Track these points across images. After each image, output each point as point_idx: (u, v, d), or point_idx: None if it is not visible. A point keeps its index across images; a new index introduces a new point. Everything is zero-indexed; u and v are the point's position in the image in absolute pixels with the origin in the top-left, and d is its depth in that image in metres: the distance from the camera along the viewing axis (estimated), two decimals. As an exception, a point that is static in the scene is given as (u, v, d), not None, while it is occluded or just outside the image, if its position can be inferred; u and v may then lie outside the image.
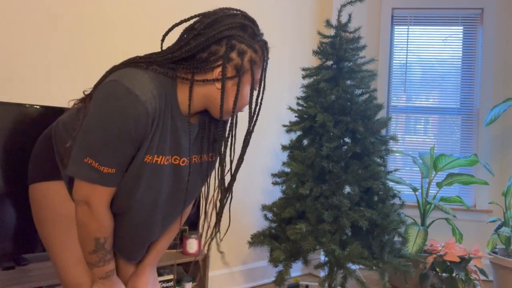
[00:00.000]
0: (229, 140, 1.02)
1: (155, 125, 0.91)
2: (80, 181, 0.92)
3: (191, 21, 0.98)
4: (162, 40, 1.02)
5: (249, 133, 1.02)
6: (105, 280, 1.02)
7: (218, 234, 1.08)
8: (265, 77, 1.03)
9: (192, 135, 1.03)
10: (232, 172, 1.03)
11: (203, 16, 0.96)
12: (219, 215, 1.06)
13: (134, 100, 0.86)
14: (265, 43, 1.00)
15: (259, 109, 1.03)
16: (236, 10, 0.98)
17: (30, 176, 1.08)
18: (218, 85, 0.96)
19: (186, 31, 0.97)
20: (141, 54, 2.23)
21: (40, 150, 1.08)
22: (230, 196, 1.03)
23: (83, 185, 0.92)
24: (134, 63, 0.95)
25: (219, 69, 0.94)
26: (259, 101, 1.02)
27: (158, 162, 0.96)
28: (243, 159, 1.02)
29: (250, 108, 1.00)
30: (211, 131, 1.10)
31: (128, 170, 0.94)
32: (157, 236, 1.12)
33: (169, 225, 1.13)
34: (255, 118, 1.01)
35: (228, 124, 1.12)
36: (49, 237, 1.04)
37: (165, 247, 1.21)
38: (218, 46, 0.93)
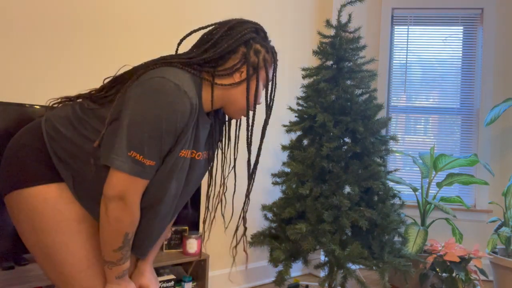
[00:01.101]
0: (234, 139, 1.11)
1: (193, 120, 0.97)
2: (118, 175, 0.91)
3: (209, 28, 1.08)
4: (179, 44, 1.11)
5: (265, 125, 1.11)
6: (120, 280, 1.01)
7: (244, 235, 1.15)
8: (275, 78, 1.13)
9: (206, 131, 1.10)
10: (252, 165, 1.13)
11: (219, 24, 1.06)
12: (244, 210, 1.13)
13: (183, 96, 0.91)
14: (273, 47, 1.10)
15: (272, 104, 1.13)
16: (245, 19, 1.09)
17: (15, 180, 0.99)
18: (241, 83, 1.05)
19: (206, 35, 1.06)
20: (141, 55, 2.23)
21: (28, 151, 1.00)
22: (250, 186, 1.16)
23: (122, 178, 0.91)
24: (168, 62, 1.00)
25: (241, 69, 1.03)
26: (272, 97, 1.13)
27: (186, 156, 1.01)
28: (261, 149, 1.11)
29: (266, 102, 1.10)
30: (216, 130, 1.17)
31: (165, 163, 0.97)
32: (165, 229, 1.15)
33: (174, 218, 1.16)
34: (270, 112, 1.12)
35: (226, 125, 1.22)
36: (53, 245, 0.97)
37: (161, 244, 1.24)
38: (241, 47, 1.03)
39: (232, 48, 1.02)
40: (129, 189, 0.92)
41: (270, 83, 1.11)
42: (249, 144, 1.09)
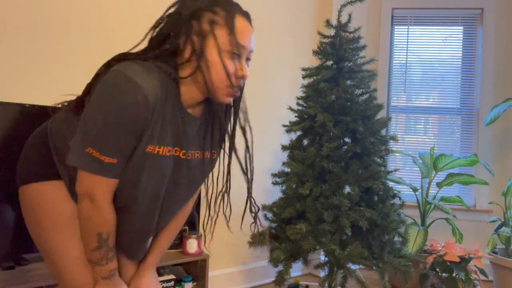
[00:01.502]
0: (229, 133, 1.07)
1: (155, 114, 0.91)
2: (82, 173, 0.91)
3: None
4: (144, 37, 1.02)
5: (237, 106, 1.04)
6: (108, 281, 1.01)
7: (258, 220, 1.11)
8: (244, 46, 0.95)
9: (194, 128, 1.03)
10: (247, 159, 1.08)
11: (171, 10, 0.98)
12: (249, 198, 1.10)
13: (134, 87, 0.85)
14: (227, 2, 0.94)
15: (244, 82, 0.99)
16: None
17: (23, 177, 1.04)
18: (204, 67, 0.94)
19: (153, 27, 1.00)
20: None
21: (34, 150, 1.05)
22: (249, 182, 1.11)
23: (85, 176, 0.91)
24: (125, 57, 0.96)
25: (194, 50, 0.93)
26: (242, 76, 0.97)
27: (160, 153, 0.95)
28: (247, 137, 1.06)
29: (228, 77, 0.93)
30: (214, 128, 1.10)
31: (131, 161, 0.93)
32: (155, 232, 1.11)
33: (167, 221, 1.12)
34: (241, 92, 1.03)
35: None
36: (49, 239, 1.01)
37: (167, 247, 1.20)
38: (184, 27, 0.93)
39: (175, 33, 0.93)
40: (95, 187, 0.91)
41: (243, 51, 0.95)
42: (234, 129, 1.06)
